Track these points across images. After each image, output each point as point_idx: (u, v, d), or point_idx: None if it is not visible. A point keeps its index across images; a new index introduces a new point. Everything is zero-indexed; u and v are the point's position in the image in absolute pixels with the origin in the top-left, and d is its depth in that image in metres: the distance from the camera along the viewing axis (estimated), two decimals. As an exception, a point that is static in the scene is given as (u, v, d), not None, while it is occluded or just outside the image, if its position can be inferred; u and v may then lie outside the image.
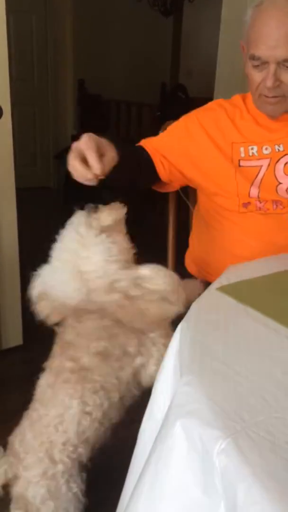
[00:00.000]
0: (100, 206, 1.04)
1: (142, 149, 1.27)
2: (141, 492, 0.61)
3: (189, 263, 1.49)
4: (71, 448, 0.98)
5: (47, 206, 4.16)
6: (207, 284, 1.37)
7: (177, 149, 1.26)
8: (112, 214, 1.05)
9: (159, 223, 1.85)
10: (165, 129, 1.34)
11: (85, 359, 0.99)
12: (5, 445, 1.05)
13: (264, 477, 0.50)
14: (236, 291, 0.92)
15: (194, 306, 0.87)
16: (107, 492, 1.05)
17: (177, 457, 0.58)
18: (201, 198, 1.38)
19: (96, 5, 4.52)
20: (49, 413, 0.98)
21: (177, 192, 1.44)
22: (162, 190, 1.38)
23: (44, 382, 1.03)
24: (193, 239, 1.48)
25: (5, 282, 2.04)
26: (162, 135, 1.32)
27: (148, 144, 1.28)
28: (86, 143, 0.94)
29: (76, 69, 4.54)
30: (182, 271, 1.47)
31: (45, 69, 4.57)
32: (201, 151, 1.25)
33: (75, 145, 0.96)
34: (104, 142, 0.99)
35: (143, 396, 1.04)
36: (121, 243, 1.03)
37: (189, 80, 4.88)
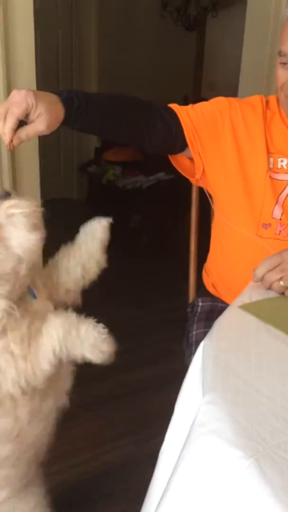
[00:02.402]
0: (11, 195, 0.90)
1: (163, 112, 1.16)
2: (165, 509, 0.62)
3: (206, 279, 1.46)
4: None
5: (69, 217, 4.21)
6: (221, 302, 1.38)
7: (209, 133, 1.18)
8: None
9: (182, 233, 1.85)
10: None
11: None
12: None
13: (286, 498, 0.51)
14: (258, 309, 0.92)
15: (216, 324, 0.87)
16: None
17: (200, 475, 0.59)
18: (217, 217, 1.34)
19: (120, 21, 4.59)
20: None
21: (199, 201, 1.42)
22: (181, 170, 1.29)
23: None
24: (210, 259, 1.44)
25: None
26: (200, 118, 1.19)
27: (184, 114, 1.17)
28: (15, 104, 0.88)
29: (100, 83, 4.61)
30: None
31: (70, 83, 4.64)
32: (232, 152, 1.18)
33: (11, 97, 0.89)
34: (43, 107, 0.90)
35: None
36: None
37: (211, 93, 4.90)
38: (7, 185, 1.90)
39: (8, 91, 1.79)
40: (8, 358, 0.83)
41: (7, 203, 0.87)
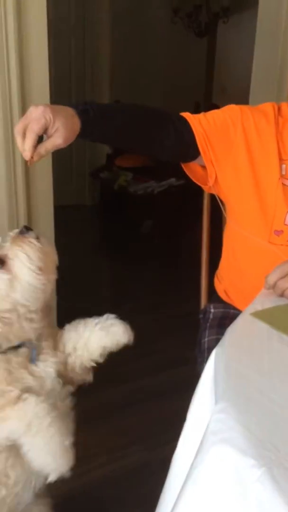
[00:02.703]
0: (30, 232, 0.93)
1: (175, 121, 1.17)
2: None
3: (218, 285, 1.46)
4: None
5: (82, 224, 4.24)
6: (234, 308, 1.38)
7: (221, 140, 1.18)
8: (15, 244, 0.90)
9: (193, 239, 1.86)
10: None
11: None
12: None
13: (298, 508, 0.51)
14: (270, 316, 0.92)
15: (228, 331, 0.87)
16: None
17: (212, 484, 0.59)
18: (228, 224, 1.34)
19: (132, 28, 4.63)
20: None
21: (211, 207, 1.43)
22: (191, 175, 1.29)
23: None
24: (222, 266, 1.44)
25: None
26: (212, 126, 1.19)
27: (196, 123, 1.17)
28: (34, 121, 0.89)
29: (112, 90, 4.64)
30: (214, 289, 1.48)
31: (82, 90, 4.68)
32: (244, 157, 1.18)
33: (29, 114, 0.91)
34: (60, 122, 0.91)
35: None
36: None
37: (222, 98, 4.92)
38: (21, 192, 1.92)
39: (22, 98, 1.82)
40: None
41: (20, 238, 0.90)
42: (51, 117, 0.90)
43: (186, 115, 1.19)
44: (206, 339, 1.34)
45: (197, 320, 1.49)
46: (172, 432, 0.94)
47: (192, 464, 0.64)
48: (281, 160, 1.18)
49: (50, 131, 0.91)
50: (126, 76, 4.67)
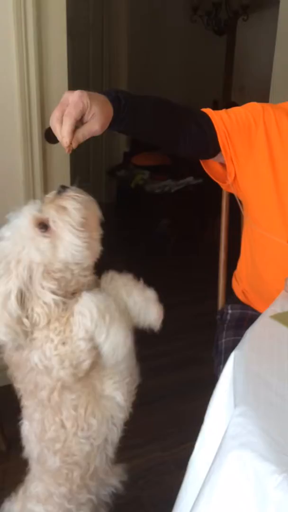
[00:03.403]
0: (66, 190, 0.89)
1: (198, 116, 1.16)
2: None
3: (236, 286, 1.45)
4: None
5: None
6: (251, 309, 1.37)
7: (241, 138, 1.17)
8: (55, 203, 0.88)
9: (210, 238, 1.85)
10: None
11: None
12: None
13: None
14: (290, 319, 0.91)
15: (247, 334, 0.87)
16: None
17: (231, 489, 0.59)
18: (247, 224, 1.33)
19: (151, 26, 4.62)
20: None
21: (229, 207, 1.41)
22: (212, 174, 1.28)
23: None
24: (240, 266, 1.43)
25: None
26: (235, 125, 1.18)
27: (218, 119, 1.16)
28: (72, 105, 0.87)
29: (130, 88, 4.64)
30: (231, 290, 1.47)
31: (100, 88, 4.69)
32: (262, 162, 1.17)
33: (65, 100, 0.89)
34: (97, 107, 0.89)
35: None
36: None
37: (241, 96, 4.88)
38: (38, 191, 1.93)
39: (41, 96, 1.83)
40: (50, 346, 0.86)
41: (58, 198, 0.88)
42: (89, 102, 0.88)
43: (208, 111, 1.18)
44: (223, 340, 1.33)
45: (212, 320, 1.48)
46: (187, 433, 0.94)
47: (210, 469, 0.64)
48: None
49: (87, 116, 0.89)
50: (144, 75, 4.66)
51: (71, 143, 0.88)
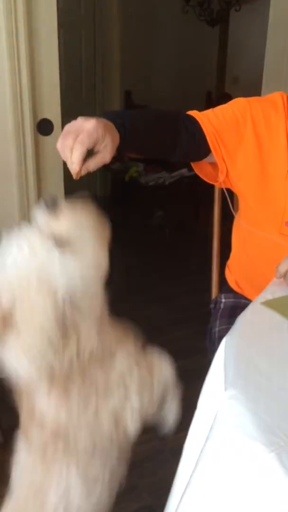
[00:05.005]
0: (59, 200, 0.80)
1: (186, 120, 1.16)
2: (186, 504, 0.63)
3: (229, 276, 1.47)
4: None
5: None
6: (244, 298, 1.38)
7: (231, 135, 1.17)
8: (71, 216, 0.78)
9: (204, 229, 1.85)
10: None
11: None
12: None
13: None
14: (280, 305, 0.92)
15: (239, 320, 0.88)
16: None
17: (221, 470, 0.60)
18: (237, 220, 1.34)
19: (143, 17, 4.60)
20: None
21: (221, 198, 1.42)
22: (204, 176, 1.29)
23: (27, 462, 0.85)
24: (233, 257, 1.45)
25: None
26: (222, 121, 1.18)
27: (205, 121, 1.16)
28: (86, 134, 0.85)
29: (122, 80, 4.62)
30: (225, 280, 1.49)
31: (93, 81, 4.67)
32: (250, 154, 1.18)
33: (79, 127, 0.86)
34: (109, 138, 0.88)
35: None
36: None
37: (235, 88, 4.87)
38: (31, 184, 1.93)
39: (33, 89, 1.82)
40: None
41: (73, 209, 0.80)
42: (103, 133, 0.87)
43: (194, 113, 1.19)
44: (217, 328, 1.34)
45: (207, 310, 1.49)
46: (184, 421, 0.95)
47: (201, 451, 0.65)
48: None
49: (99, 146, 0.88)
50: (136, 66, 4.65)
51: (80, 170, 0.87)
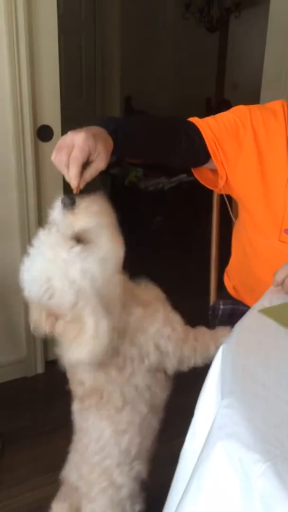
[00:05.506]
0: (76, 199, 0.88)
1: (187, 126, 1.17)
2: (183, 510, 0.64)
3: (227, 282, 1.47)
4: (127, 468, 0.98)
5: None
6: (243, 305, 1.39)
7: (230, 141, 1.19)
8: (88, 211, 0.87)
9: (203, 235, 1.86)
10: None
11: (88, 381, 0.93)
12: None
13: (302, 502, 0.52)
14: (278, 313, 0.93)
15: (236, 328, 0.88)
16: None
17: (217, 478, 0.60)
18: (237, 226, 1.34)
19: (143, 23, 4.62)
20: (91, 440, 0.96)
21: (220, 204, 1.43)
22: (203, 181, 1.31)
23: (75, 408, 0.99)
24: (232, 263, 1.45)
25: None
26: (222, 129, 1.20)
27: (205, 127, 1.18)
28: (78, 150, 0.88)
29: (122, 86, 4.64)
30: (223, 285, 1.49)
31: (93, 86, 4.68)
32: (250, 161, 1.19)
33: (69, 141, 0.89)
34: (101, 146, 0.91)
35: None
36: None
37: (234, 94, 4.89)
38: (31, 189, 1.93)
39: (33, 94, 1.83)
40: None
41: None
42: (94, 144, 0.89)
43: (195, 120, 1.20)
44: None
45: (205, 316, 1.49)
46: (180, 427, 0.95)
47: (198, 458, 0.65)
48: None
49: (93, 157, 0.90)
50: (137, 72, 4.66)
51: (79, 184, 0.91)
